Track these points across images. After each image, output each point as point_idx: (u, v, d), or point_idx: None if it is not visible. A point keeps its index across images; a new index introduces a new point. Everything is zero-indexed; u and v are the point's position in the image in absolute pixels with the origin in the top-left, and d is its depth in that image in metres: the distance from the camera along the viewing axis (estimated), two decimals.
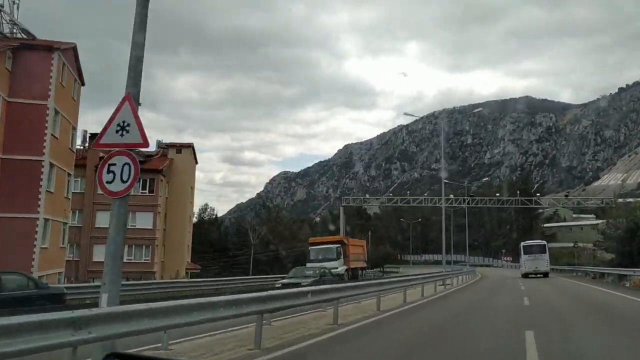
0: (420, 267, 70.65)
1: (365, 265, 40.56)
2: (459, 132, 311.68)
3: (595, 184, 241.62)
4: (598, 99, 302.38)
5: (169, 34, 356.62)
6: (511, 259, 78.76)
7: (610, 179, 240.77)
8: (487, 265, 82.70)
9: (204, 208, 77.02)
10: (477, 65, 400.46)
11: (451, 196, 59.81)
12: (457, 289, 26.72)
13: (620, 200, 43.99)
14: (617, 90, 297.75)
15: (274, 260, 59.92)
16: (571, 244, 73.64)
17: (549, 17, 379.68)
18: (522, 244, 43.12)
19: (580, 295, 20.96)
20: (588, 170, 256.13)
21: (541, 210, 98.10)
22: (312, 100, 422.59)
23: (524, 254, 41.16)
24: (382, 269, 67.10)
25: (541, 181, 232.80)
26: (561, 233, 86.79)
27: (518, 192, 65.87)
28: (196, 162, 48.39)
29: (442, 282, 26.87)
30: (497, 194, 54.82)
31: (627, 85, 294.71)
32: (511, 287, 26.55)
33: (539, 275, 38.88)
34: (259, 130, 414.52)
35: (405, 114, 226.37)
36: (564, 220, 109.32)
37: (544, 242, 43.37)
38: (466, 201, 56.69)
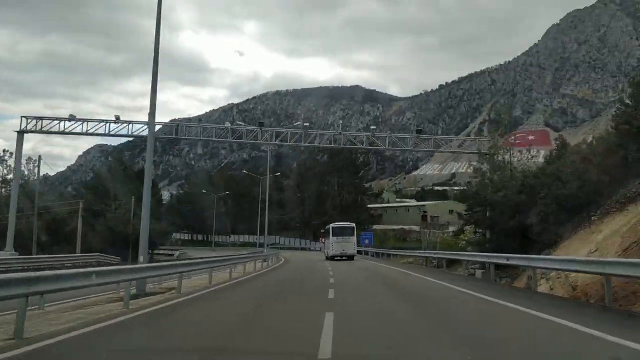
0: (222, 250, 56.23)
1: None
2: (290, 116, 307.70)
3: (415, 173, 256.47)
4: (421, 94, 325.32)
5: None
6: None
7: (428, 169, 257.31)
8: (303, 249, 70.92)
9: None
10: (315, 52, 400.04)
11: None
12: (191, 298, 11.32)
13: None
14: (438, 87, 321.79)
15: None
16: (397, 227, 66.50)
17: (385, 13, 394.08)
18: (332, 225, 41.83)
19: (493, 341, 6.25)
20: (409, 160, 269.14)
21: (368, 187, 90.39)
22: (140, 71, 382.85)
23: (333, 236, 39.89)
24: (151, 252, 49.98)
25: (366, 168, 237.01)
26: (387, 215, 78.77)
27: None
28: None
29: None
30: (302, 130, 39.33)
31: (446, 83, 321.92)
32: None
33: (344, 258, 37.63)
34: (78, 99, 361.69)
35: None
36: (389, 203, 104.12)
37: (353, 225, 41.92)
38: (237, 132, 39.27)
